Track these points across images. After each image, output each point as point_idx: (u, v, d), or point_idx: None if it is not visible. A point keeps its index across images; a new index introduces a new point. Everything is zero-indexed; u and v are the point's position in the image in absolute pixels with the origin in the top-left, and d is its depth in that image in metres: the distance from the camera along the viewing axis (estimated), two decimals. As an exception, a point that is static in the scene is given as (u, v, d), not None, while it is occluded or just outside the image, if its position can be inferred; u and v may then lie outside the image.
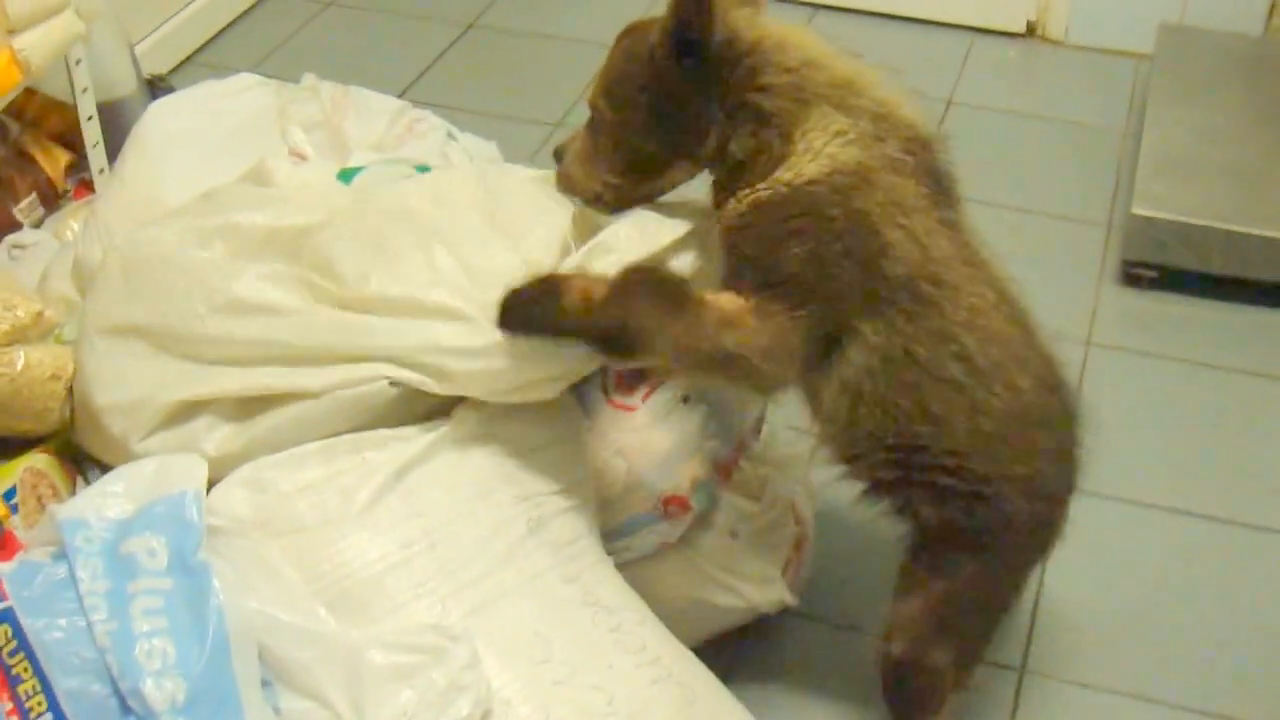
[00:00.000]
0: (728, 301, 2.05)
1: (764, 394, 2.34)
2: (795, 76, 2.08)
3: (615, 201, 2.24)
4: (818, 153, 2.04)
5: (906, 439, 2.09)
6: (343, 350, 2.13)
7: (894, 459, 2.12)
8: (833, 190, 2.02)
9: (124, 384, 2.19)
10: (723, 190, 2.13)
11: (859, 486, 2.21)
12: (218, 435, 2.14)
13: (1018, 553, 2.23)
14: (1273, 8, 4.13)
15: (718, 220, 2.13)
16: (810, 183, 2.03)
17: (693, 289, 2.05)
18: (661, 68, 2.09)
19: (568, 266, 2.15)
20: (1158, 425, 3.13)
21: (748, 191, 2.07)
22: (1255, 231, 3.34)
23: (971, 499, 2.12)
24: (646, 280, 2.04)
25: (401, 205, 2.27)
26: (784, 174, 2.04)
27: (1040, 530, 2.22)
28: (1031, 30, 4.41)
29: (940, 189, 2.13)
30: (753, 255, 2.07)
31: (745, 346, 2.03)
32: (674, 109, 2.11)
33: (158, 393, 2.16)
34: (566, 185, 2.28)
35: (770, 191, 2.05)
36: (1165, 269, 3.43)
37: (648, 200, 2.25)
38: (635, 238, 2.16)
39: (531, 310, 2.06)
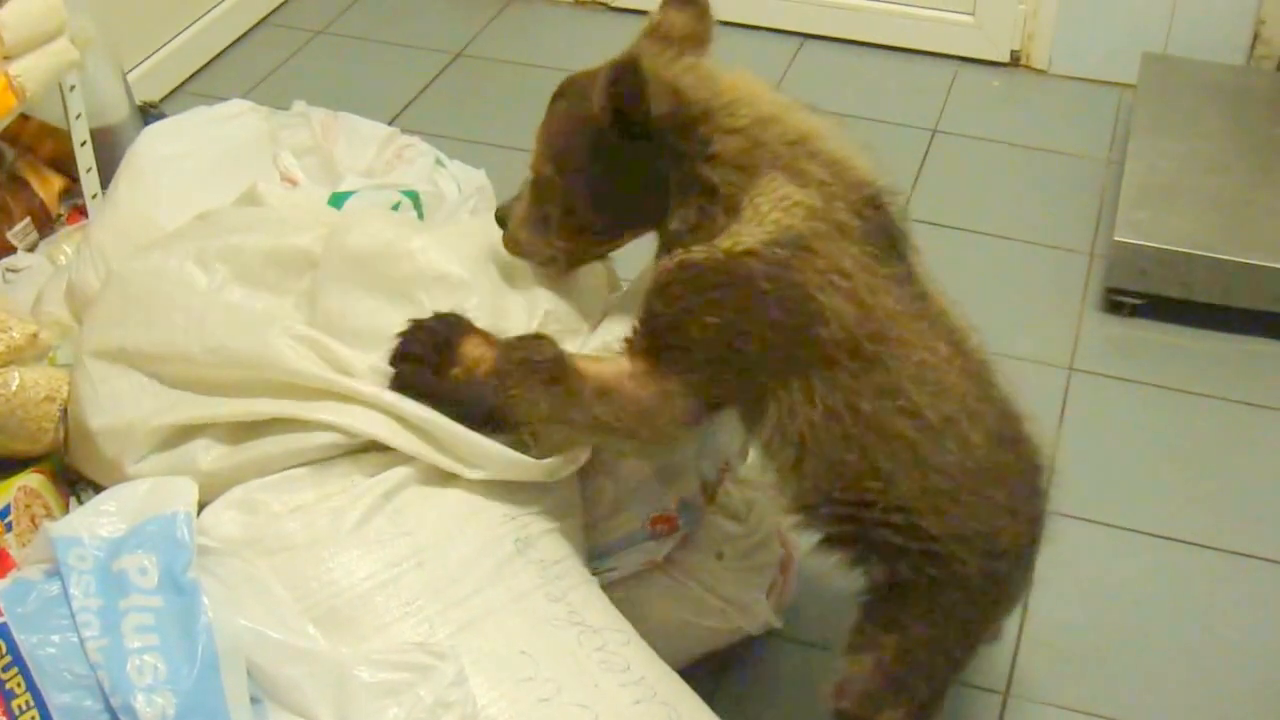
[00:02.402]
0: (608, 369, 2.07)
1: (650, 454, 2.31)
2: (743, 139, 2.03)
3: (569, 264, 2.23)
4: (762, 219, 2.00)
5: (854, 493, 2.05)
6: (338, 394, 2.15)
7: (842, 513, 2.08)
8: (768, 263, 1.98)
9: (119, 408, 2.20)
10: (664, 248, 2.11)
11: (814, 536, 2.17)
12: (211, 458, 2.15)
13: (972, 611, 2.15)
14: (1255, 37, 4.15)
15: (651, 270, 2.12)
16: (746, 253, 1.99)
17: (570, 360, 2.07)
18: (607, 141, 2.04)
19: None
20: (1140, 451, 3.14)
21: (682, 251, 2.03)
22: (1237, 259, 3.36)
23: (922, 557, 2.07)
24: (524, 358, 2.06)
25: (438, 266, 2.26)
26: (724, 241, 2.01)
27: (996, 588, 2.15)
28: (1016, 60, 4.43)
29: (889, 245, 2.08)
30: (661, 313, 2.04)
31: (619, 416, 2.06)
32: (624, 183, 2.08)
33: (152, 417, 2.17)
34: (515, 250, 2.22)
35: (704, 255, 2.01)
36: (1147, 296, 3.44)
37: (600, 259, 2.26)
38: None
39: (417, 370, 2.10)
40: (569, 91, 2.13)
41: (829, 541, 2.16)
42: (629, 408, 2.05)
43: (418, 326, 2.11)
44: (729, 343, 2.01)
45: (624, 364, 2.07)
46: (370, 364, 2.14)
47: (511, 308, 2.22)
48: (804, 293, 1.99)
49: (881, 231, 2.07)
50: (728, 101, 2.05)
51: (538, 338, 2.10)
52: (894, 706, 2.17)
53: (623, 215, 2.14)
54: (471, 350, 2.09)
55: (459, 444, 2.10)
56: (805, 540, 2.28)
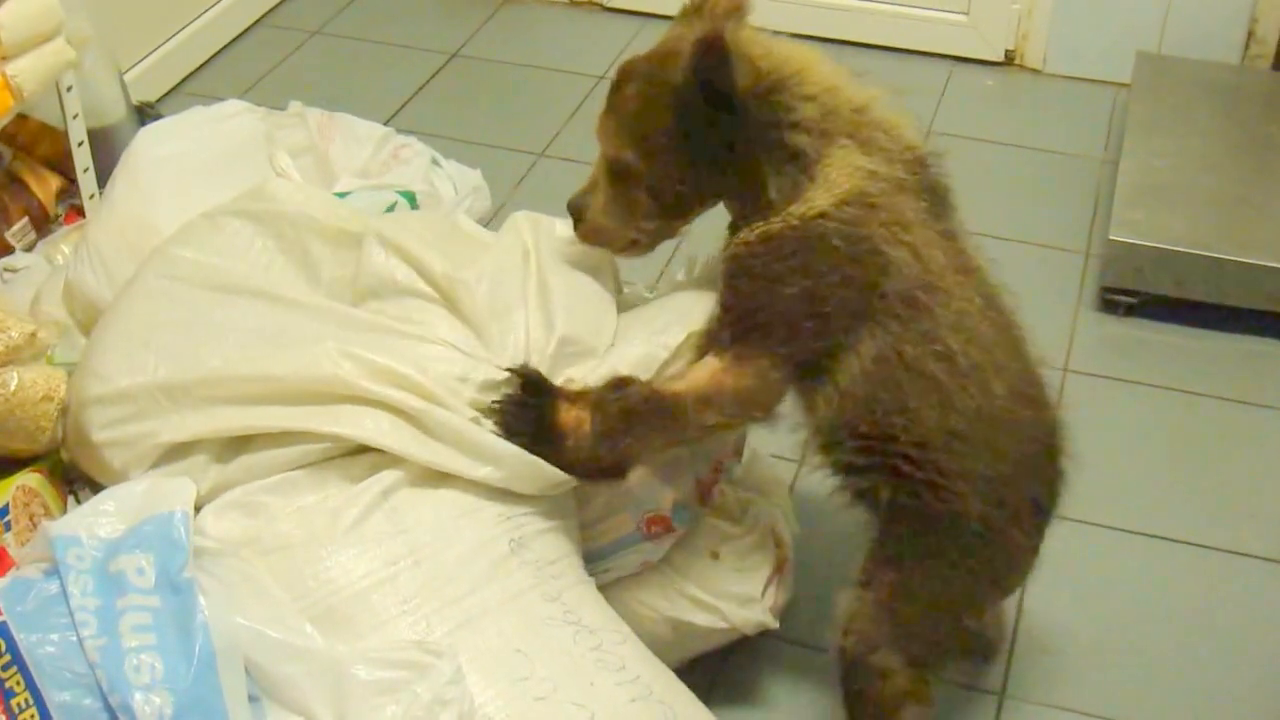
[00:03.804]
0: (700, 375, 2.13)
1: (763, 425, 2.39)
2: (817, 106, 2.10)
3: (650, 245, 2.28)
4: (832, 185, 2.07)
5: (881, 428, 2.13)
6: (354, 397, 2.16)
7: (866, 445, 2.15)
8: (840, 222, 2.06)
9: (125, 425, 2.20)
10: (740, 220, 2.16)
11: (835, 477, 2.24)
12: (216, 466, 2.16)
13: (970, 560, 2.20)
14: (1250, 36, 4.15)
15: (726, 249, 2.17)
16: (819, 216, 2.06)
17: (664, 388, 2.14)
18: (692, 116, 2.08)
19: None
20: (1135, 451, 3.14)
21: (760, 223, 2.10)
22: (1232, 258, 3.36)
23: (924, 486, 2.14)
24: (622, 408, 2.12)
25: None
26: (797, 207, 2.07)
27: (996, 539, 2.20)
28: (1010, 59, 4.43)
29: (937, 202, 2.18)
30: (746, 292, 2.11)
31: (727, 412, 2.14)
32: (713, 154, 2.12)
33: (161, 433, 2.17)
34: (597, 239, 2.27)
35: (781, 224, 2.08)
36: (1143, 295, 3.44)
37: (673, 236, 2.28)
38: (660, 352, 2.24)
39: (526, 442, 2.13)
40: (635, 75, 2.16)
41: (846, 473, 2.22)
42: (733, 401, 2.13)
43: (508, 402, 2.14)
44: (811, 306, 2.08)
45: (713, 362, 2.13)
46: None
47: (528, 336, 2.23)
48: (872, 245, 2.08)
49: (931, 189, 2.17)
50: (796, 70, 2.12)
51: (621, 382, 2.15)
52: (891, 648, 2.22)
53: (710, 188, 2.19)
54: (566, 416, 2.13)
55: (472, 443, 2.11)
56: (821, 489, 2.31)
